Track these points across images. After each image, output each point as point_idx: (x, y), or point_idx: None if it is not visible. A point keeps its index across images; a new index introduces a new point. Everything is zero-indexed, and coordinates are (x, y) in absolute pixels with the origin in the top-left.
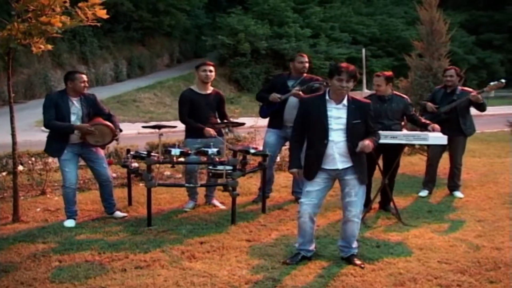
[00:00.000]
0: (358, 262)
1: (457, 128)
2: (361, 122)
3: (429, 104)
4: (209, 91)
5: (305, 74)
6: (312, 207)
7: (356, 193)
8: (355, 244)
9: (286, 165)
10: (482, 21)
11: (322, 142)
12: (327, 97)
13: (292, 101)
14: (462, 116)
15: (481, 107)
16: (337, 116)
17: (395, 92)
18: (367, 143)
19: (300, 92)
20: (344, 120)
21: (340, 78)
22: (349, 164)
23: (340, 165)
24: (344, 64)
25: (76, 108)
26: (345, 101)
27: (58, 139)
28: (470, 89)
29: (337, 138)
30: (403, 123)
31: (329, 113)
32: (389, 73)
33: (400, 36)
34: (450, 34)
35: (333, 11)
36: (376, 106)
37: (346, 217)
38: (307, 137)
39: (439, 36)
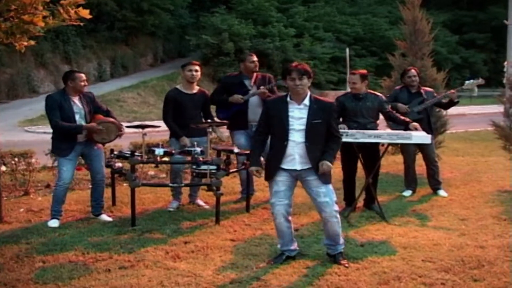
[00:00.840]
0: (343, 261)
1: (428, 126)
2: (322, 122)
3: (400, 104)
4: (194, 91)
5: (255, 73)
6: (285, 207)
7: (325, 194)
8: (341, 241)
9: None
10: (465, 21)
11: (282, 143)
12: (288, 98)
13: (255, 100)
14: (432, 115)
15: (450, 106)
16: (298, 116)
17: (369, 90)
18: (326, 164)
19: (266, 91)
20: (304, 121)
21: (292, 77)
22: (308, 165)
23: (299, 166)
24: (294, 63)
25: (78, 107)
26: (306, 101)
27: (66, 139)
28: (430, 89)
29: (298, 138)
30: (377, 121)
31: (291, 114)
32: (364, 71)
33: (383, 36)
34: (433, 34)
35: (317, 11)
36: (352, 104)
37: (324, 218)
38: (270, 138)
39: (422, 35)
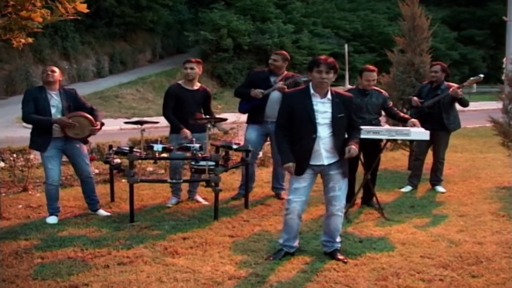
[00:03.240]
0: (341, 257)
1: (440, 123)
2: (344, 116)
3: (414, 98)
4: (196, 87)
5: (286, 71)
6: (301, 204)
7: (340, 188)
8: (338, 239)
9: (268, 161)
10: (464, 17)
11: (311, 137)
12: (311, 91)
13: (275, 96)
14: (445, 111)
15: (462, 102)
16: (322, 110)
17: (373, 87)
18: (353, 148)
19: (285, 87)
20: (329, 114)
21: (319, 70)
22: (334, 159)
23: (326, 161)
24: (322, 57)
25: (55, 101)
26: (329, 95)
27: (41, 133)
28: (455, 85)
29: (323, 133)
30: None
31: (315, 108)
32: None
33: (382, 32)
34: (432, 30)
35: (316, 7)
36: (357, 100)
37: (330, 211)
38: (291, 133)
39: (421, 31)
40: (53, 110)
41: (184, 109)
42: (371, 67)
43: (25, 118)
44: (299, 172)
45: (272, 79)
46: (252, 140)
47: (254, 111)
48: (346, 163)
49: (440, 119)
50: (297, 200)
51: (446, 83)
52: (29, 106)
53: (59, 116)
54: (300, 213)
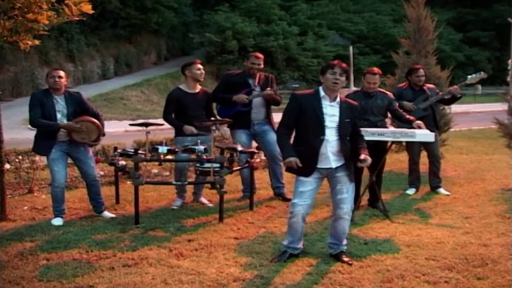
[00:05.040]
0: (346, 259)
1: (433, 123)
2: (350, 122)
3: (406, 103)
4: (197, 90)
5: (258, 73)
6: (306, 208)
7: (347, 190)
8: (344, 241)
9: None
10: (469, 19)
11: (318, 139)
12: (321, 93)
13: (258, 100)
14: (437, 111)
15: (453, 102)
16: (331, 113)
17: (378, 89)
18: (368, 158)
19: (273, 93)
20: (337, 118)
21: (334, 71)
22: (341, 162)
23: (334, 164)
24: (335, 61)
25: (61, 105)
26: (338, 99)
27: (45, 137)
28: (433, 86)
29: (331, 136)
30: (386, 119)
31: (324, 110)
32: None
33: (387, 34)
34: (437, 32)
35: (321, 8)
36: (362, 102)
37: (338, 214)
38: (297, 134)
39: (426, 33)
40: (58, 115)
41: (187, 112)
42: (375, 69)
43: (33, 122)
44: (306, 173)
45: (251, 81)
46: (244, 143)
47: (239, 116)
48: (352, 166)
49: (433, 120)
50: (302, 204)
51: (425, 85)
52: (36, 110)
53: (64, 121)
54: (305, 216)
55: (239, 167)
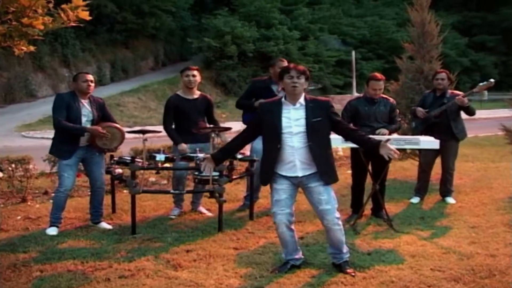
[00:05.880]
0: (349, 270)
1: (449, 132)
2: (322, 121)
3: (419, 108)
4: (196, 96)
5: None
6: (286, 216)
7: (327, 201)
8: (345, 249)
9: None
10: (474, 23)
11: (275, 147)
12: (283, 99)
13: None
14: (453, 119)
15: (468, 111)
16: (295, 117)
17: (381, 95)
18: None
19: None
20: (303, 121)
21: (290, 75)
22: (311, 171)
23: (301, 172)
24: (291, 64)
25: (87, 110)
26: (301, 100)
27: (68, 141)
28: (460, 92)
29: (296, 143)
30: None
31: (286, 115)
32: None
33: (391, 38)
34: (442, 36)
35: (322, 13)
36: (365, 109)
37: (326, 226)
38: (262, 143)
39: (430, 38)
40: (83, 119)
41: (186, 119)
42: (379, 75)
43: (58, 124)
44: (264, 181)
45: (274, 87)
46: (259, 150)
47: None
48: (330, 169)
49: (449, 128)
50: (281, 213)
51: (450, 91)
52: (61, 112)
53: (89, 125)
54: (288, 224)
55: (238, 176)
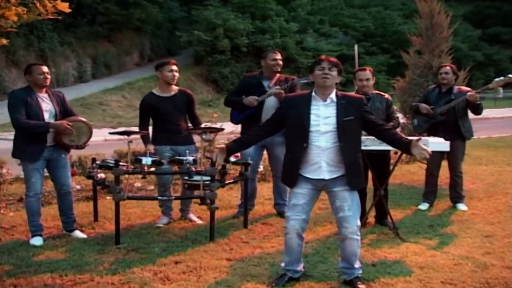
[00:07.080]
0: (360, 286)
1: (456, 131)
2: (354, 120)
3: (423, 105)
4: (173, 92)
5: (278, 74)
6: (300, 223)
7: (350, 207)
8: (357, 264)
9: (270, 176)
10: (488, 13)
11: (301, 145)
12: (313, 93)
13: (271, 102)
14: (461, 118)
15: (477, 109)
16: (325, 115)
17: (374, 90)
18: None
19: (282, 91)
20: (333, 119)
21: (322, 67)
22: (338, 174)
23: (327, 175)
24: (323, 56)
25: (48, 105)
26: (333, 96)
27: (33, 141)
28: (468, 88)
29: (324, 143)
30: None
31: (315, 112)
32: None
33: (397, 31)
34: (452, 28)
35: (322, 3)
36: None
37: (343, 234)
38: (286, 140)
39: (440, 30)
40: (46, 115)
41: (165, 119)
42: (363, 67)
43: (17, 124)
44: (289, 182)
45: (266, 83)
46: (250, 153)
47: (249, 121)
48: (359, 171)
49: (456, 127)
50: (296, 218)
51: (457, 87)
52: (19, 110)
53: (52, 121)
54: (300, 232)
55: (231, 180)
